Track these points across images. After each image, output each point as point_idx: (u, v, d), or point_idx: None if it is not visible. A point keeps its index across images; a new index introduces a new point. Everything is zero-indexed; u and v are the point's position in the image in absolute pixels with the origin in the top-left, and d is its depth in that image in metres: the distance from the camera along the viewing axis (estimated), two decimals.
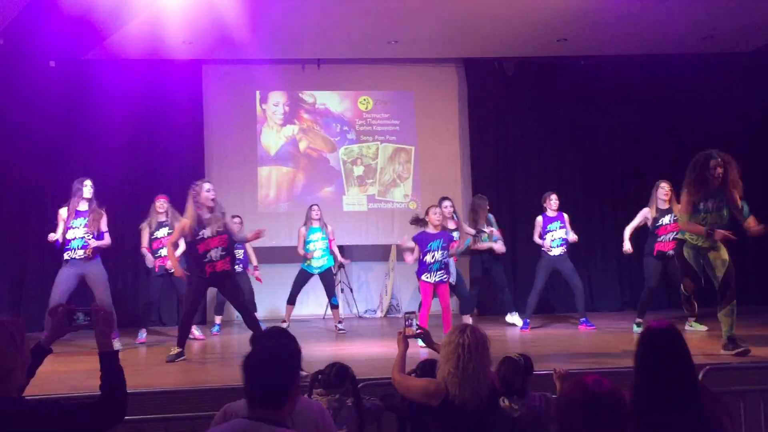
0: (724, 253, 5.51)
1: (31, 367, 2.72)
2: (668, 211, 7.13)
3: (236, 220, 8.17)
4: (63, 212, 6.77)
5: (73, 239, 6.69)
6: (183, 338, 6.27)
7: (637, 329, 7.24)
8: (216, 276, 6.16)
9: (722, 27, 8.62)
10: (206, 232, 6.08)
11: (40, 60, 8.74)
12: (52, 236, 6.74)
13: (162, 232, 7.58)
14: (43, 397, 2.84)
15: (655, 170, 8.09)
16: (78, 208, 6.75)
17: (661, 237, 7.16)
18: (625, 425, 1.99)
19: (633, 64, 9.74)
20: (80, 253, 6.70)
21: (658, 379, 2.46)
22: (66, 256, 6.72)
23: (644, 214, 7.30)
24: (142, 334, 7.52)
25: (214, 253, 6.08)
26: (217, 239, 6.11)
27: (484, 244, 8.01)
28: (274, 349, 2.33)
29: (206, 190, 6.16)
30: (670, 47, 9.33)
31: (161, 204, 7.62)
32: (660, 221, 7.17)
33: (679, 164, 8.39)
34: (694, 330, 7.15)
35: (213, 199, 6.18)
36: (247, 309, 6.34)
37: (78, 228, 6.70)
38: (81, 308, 2.70)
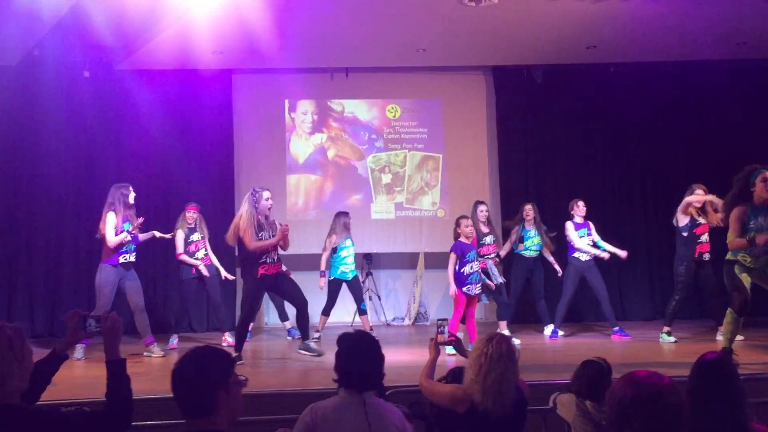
0: None
1: (47, 373, 2.75)
2: (704, 211, 7.15)
3: None
4: (111, 216, 6.83)
5: (126, 243, 6.85)
6: (240, 343, 6.41)
7: (666, 338, 7.14)
8: (267, 278, 6.34)
9: (756, 32, 8.47)
10: (265, 235, 6.31)
11: (75, 70, 8.92)
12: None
13: (196, 236, 7.75)
14: (45, 404, 2.79)
15: (686, 178, 7.96)
16: (126, 214, 6.93)
17: (701, 237, 7.11)
18: (681, 420, 1.91)
19: (664, 70, 9.61)
20: (131, 257, 6.89)
21: (709, 412, 2.38)
22: (121, 260, 6.84)
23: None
24: (173, 340, 7.62)
25: (273, 256, 6.33)
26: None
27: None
28: (194, 358, 2.30)
29: (266, 198, 6.45)
30: (702, 53, 9.19)
31: (191, 215, 7.79)
32: (698, 221, 7.14)
33: (711, 172, 8.38)
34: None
35: (270, 208, 6.48)
36: (304, 307, 6.49)
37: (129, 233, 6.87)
38: (92, 315, 2.74)
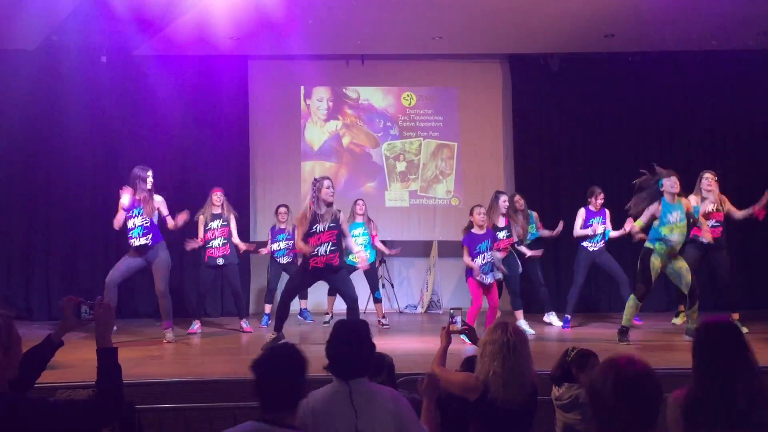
0: (685, 262, 6.54)
1: (41, 360, 2.72)
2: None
3: (282, 209, 8.32)
4: (125, 199, 6.91)
5: (134, 228, 6.88)
6: (279, 323, 6.35)
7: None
8: (318, 270, 6.26)
9: None
10: (319, 227, 6.19)
11: (92, 55, 8.96)
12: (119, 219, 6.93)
13: (216, 224, 7.72)
14: (36, 394, 2.68)
15: (703, 168, 7.90)
16: (138, 197, 6.93)
17: (708, 223, 7.22)
18: (658, 404, 1.96)
19: (683, 60, 9.51)
20: (140, 241, 6.89)
21: (718, 378, 2.43)
22: (131, 244, 6.94)
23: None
24: (195, 325, 7.68)
25: (324, 249, 6.18)
26: (327, 234, 6.20)
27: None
28: (284, 352, 2.41)
29: (326, 186, 6.27)
30: (722, 43, 9.08)
31: (218, 197, 7.79)
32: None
33: (729, 162, 8.30)
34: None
35: (332, 195, 6.27)
36: (355, 304, 6.32)
37: (137, 217, 6.89)
38: (86, 302, 2.70)
